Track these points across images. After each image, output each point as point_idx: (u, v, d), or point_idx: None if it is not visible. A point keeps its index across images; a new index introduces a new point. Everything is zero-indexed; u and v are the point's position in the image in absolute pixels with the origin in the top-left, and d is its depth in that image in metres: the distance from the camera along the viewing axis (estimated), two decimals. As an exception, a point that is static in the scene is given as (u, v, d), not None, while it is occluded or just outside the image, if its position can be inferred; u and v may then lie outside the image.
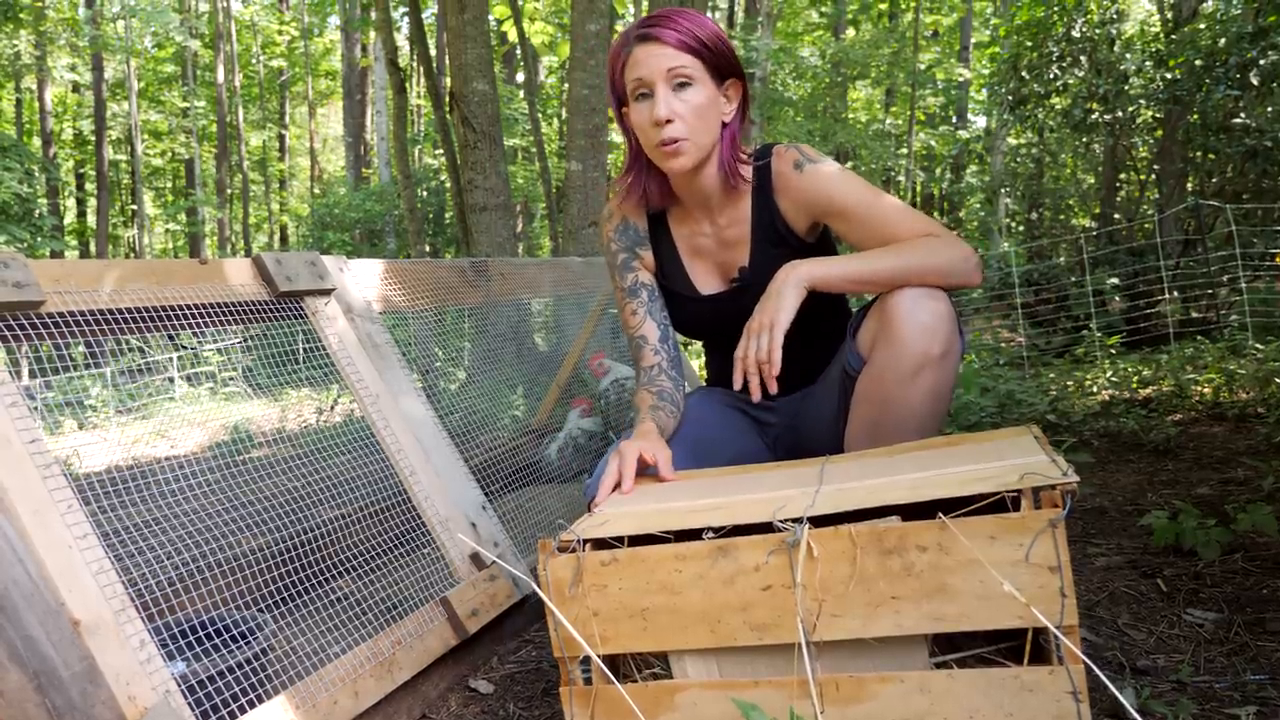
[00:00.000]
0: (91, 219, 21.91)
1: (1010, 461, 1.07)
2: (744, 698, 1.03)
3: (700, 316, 1.63)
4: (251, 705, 1.21)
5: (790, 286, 1.36)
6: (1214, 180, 7.41)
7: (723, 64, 1.44)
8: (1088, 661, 0.87)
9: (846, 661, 1.03)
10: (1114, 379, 4.23)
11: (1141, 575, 1.76)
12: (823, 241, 1.58)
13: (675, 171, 1.47)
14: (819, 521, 1.00)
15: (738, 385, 1.38)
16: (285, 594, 1.59)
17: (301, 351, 1.89)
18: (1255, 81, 5.96)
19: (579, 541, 1.10)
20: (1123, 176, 9.36)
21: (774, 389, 1.35)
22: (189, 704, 1.14)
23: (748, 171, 1.53)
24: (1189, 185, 7.70)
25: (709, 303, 1.61)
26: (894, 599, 0.97)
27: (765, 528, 1.03)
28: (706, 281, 1.61)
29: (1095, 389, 4.12)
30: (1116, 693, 0.77)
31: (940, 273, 1.33)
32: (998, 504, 0.97)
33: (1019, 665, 0.97)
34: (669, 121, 1.40)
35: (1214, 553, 1.76)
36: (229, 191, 21.44)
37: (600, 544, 1.11)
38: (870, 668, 1.03)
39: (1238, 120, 6.51)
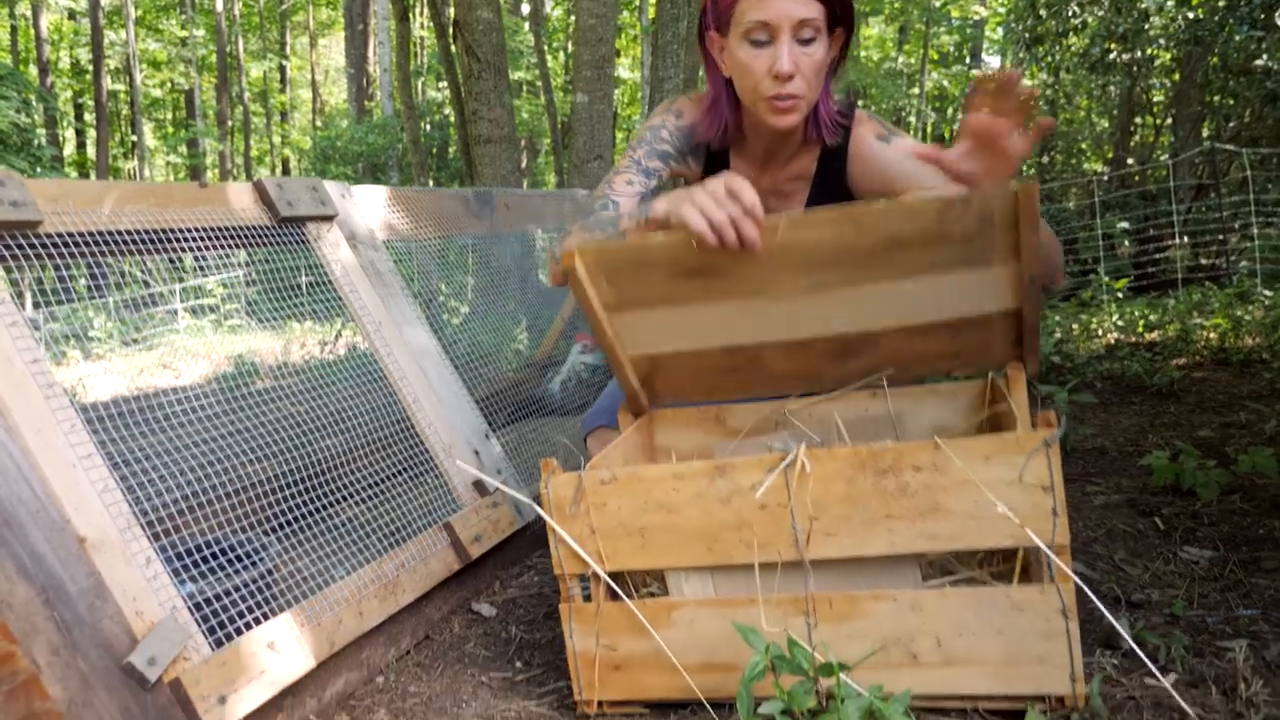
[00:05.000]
0: (91, 150, 21.67)
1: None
2: (739, 615, 1.05)
3: None
4: (257, 622, 1.23)
5: None
6: (1231, 124, 7.28)
7: (843, 13, 1.32)
8: (1078, 581, 0.88)
9: (840, 580, 1.05)
10: (1120, 323, 4.21)
11: (1139, 514, 1.77)
12: None
13: (781, 127, 1.36)
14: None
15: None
16: (290, 519, 1.60)
17: (305, 284, 1.87)
18: (1279, 22, 5.81)
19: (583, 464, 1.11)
20: (1138, 120, 9.20)
21: None
22: (195, 619, 1.16)
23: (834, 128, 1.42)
24: (1205, 129, 7.56)
25: None
26: (888, 518, 0.99)
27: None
28: None
29: (1101, 333, 4.11)
30: (1111, 618, 0.78)
31: None
32: (995, 428, 0.98)
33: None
34: (791, 77, 1.29)
35: (1213, 493, 1.77)
36: (230, 124, 21.14)
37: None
38: (863, 586, 1.04)
39: (1259, 63, 6.37)
